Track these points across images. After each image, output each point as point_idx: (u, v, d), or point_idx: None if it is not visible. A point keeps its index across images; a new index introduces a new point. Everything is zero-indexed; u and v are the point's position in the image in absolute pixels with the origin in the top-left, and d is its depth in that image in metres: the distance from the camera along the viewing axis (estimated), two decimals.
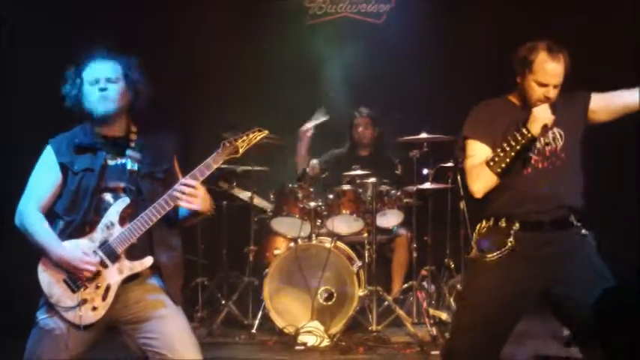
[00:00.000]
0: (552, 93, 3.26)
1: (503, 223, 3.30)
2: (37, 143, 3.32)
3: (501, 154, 3.24)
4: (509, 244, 3.26)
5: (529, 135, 3.22)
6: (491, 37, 5.93)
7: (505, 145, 3.24)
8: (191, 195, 3.11)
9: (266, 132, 3.29)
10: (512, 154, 3.23)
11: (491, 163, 3.25)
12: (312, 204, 5.65)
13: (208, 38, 6.50)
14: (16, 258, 3.89)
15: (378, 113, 6.39)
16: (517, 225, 3.27)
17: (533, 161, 3.31)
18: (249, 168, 5.85)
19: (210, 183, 5.88)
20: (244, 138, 3.23)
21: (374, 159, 6.30)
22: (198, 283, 5.84)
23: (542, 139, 3.30)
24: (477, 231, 3.41)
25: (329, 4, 7.03)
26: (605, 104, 3.33)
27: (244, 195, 6.06)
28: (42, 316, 3.14)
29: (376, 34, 6.94)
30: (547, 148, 3.32)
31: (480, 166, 3.30)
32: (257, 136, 3.27)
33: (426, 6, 6.70)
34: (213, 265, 6.11)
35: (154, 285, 3.22)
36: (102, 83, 3.20)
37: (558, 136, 3.33)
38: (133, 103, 3.30)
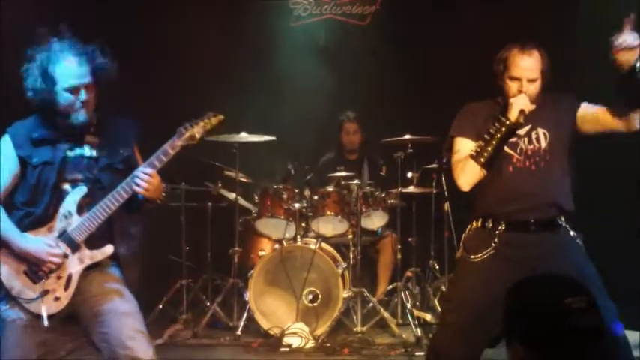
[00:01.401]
0: (527, 87, 3.28)
1: (489, 224, 3.33)
2: None
3: (483, 145, 3.28)
4: (494, 244, 3.29)
5: (507, 122, 3.23)
6: (477, 38, 5.94)
7: (486, 135, 3.27)
8: (147, 183, 3.11)
9: (221, 117, 3.28)
10: (494, 142, 3.25)
11: (474, 155, 3.29)
12: (297, 205, 5.65)
13: (191, 38, 6.45)
14: None
15: (363, 116, 6.39)
16: (503, 226, 3.30)
17: (514, 160, 3.33)
18: (233, 174, 5.83)
19: (197, 184, 5.95)
20: (200, 124, 3.22)
21: (361, 162, 6.32)
22: (183, 285, 5.82)
23: (525, 139, 3.32)
24: (466, 231, 3.46)
25: (314, 5, 7.03)
26: (594, 116, 3.31)
27: (230, 195, 6.04)
28: (3, 307, 3.13)
29: (361, 36, 6.94)
30: (529, 148, 3.33)
31: (464, 160, 3.33)
32: (213, 121, 3.26)
33: (410, 8, 6.72)
34: (197, 266, 6.08)
35: (113, 275, 3.24)
36: (83, 94, 3.16)
37: (542, 137, 3.34)
38: (101, 95, 3.28)
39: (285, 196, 5.70)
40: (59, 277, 3.12)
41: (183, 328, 5.59)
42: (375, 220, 5.83)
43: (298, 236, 5.59)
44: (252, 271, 5.46)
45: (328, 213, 5.66)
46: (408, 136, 5.68)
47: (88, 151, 3.24)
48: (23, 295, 3.09)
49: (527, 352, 1.84)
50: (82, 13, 5.33)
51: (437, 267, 6.11)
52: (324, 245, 5.62)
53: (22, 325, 3.10)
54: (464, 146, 3.38)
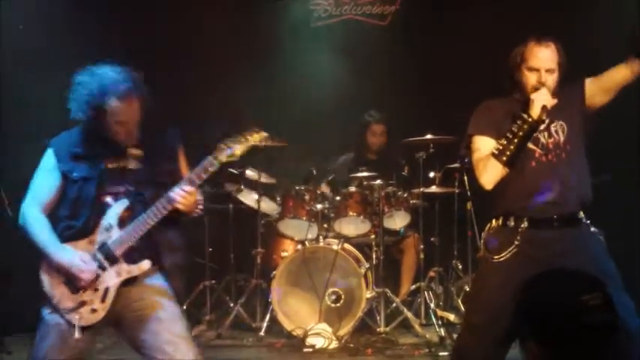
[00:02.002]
0: (546, 78, 3.26)
1: (511, 222, 3.30)
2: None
3: (505, 143, 3.24)
4: (516, 243, 3.26)
5: (530, 119, 3.20)
6: (499, 36, 5.90)
7: (508, 133, 3.24)
8: (184, 199, 3.11)
9: (265, 134, 3.25)
10: (516, 140, 3.22)
11: (497, 153, 3.26)
12: (319, 206, 5.65)
13: (211, 40, 6.49)
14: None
15: (386, 116, 6.38)
16: (525, 223, 3.27)
17: (537, 155, 3.31)
18: (256, 177, 5.84)
19: (217, 186, 5.98)
20: (241, 140, 3.20)
21: (382, 162, 6.30)
22: (206, 286, 5.85)
23: (545, 133, 3.30)
24: (486, 230, 3.42)
25: (334, 6, 7.04)
26: (599, 85, 3.31)
27: (251, 199, 6.04)
28: (46, 310, 3.16)
29: (381, 36, 6.93)
30: (550, 141, 3.31)
31: (486, 158, 3.30)
32: (256, 138, 3.23)
33: (430, 7, 6.69)
34: (220, 267, 6.11)
35: (154, 285, 3.23)
36: (130, 125, 3.19)
37: (560, 128, 3.32)
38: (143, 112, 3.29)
39: (307, 197, 5.70)
40: (96, 290, 3.12)
41: (207, 329, 5.62)
42: (398, 220, 5.81)
43: (321, 237, 5.59)
44: (274, 272, 5.47)
45: (350, 213, 5.65)
46: (429, 136, 5.66)
47: (130, 164, 3.24)
48: (61, 304, 3.11)
49: (541, 351, 1.83)
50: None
51: (460, 267, 6.07)
52: (347, 246, 5.61)
53: (59, 329, 3.12)
54: (484, 144, 3.35)
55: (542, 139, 3.31)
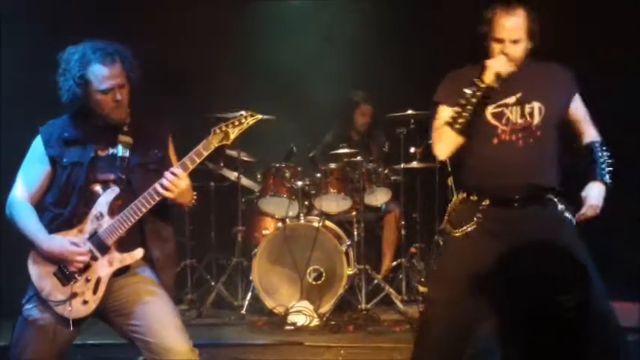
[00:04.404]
0: (510, 48, 3.15)
1: (474, 197, 3.24)
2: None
3: (458, 110, 3.16)
4: (476, 219, 3.20)
5: (482, 85, 3.11)
6: (484, 9, 5.85)
7: (461, 100, 3.15)
8: (174, 184, 3.04)
9: (259, 116, 3.19)
10: (468, 107, 3.14)
11: (450, 121, 3.18)
12: (300, 183, 5.62)
13: (192, 22, 6.39)
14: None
15: (369, 93, 6.33)
16: (487, 200, 3.20)
17: (499, 131, 3.20)
18: (235, 154, 5.79)
19: (199, 163, 5.89)
20: (235, 123, 3.15)
21: (364, 142, 6.29)
22: (187, 265, 5.82)
23: (515, 110, 3.20)
24: (450, 204, 3.37)
25: None
26: (573, 117, 3.31)
27: (232, 175, 6.01)
28: (28, 306, 3.08)
29: (361, 13, 6.83)
30: (520, 122, 3.20)
31: (441, 127, 3.24)
32: (249, 121, 3.17)
33: None
34: (201, 246, 6.07)
35: (144, 276, 3.16)
36: (117, 95, 3.11)
37: (537, 111, 3.20)
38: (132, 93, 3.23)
39: (287, 175, 5.67)
40: (88, 280, 3.05)
41: (189, 308, 5.60)
42: (379, 197, 5.80)
43: (301, 214, 5.57)
44: (255, 250, 5.44)
45: (331, 190, 5.63)
46: (410, 112, 5.63)
47: (120, 151, 3.17)
48: (52, 297, 3.03)
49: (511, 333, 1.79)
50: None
51: (441, 242, 6.07)
52: (328, 223, 5.60)
53: (40, 325, 3.05)
54: (444, 113, 3.26)
55: (510, 115, 3.21)
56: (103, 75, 3.10)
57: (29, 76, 5.01)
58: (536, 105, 3.21)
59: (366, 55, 6.62)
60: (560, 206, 3.21)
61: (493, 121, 3.21)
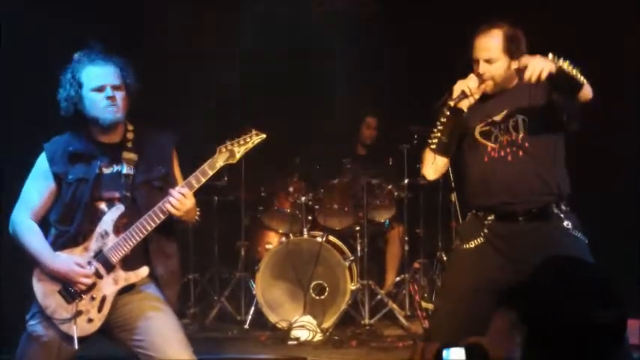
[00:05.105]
0: (483, 68, 3.17)
1: (481, 214, 3.27)
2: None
3: (434, 131, 3.24)
4: (483, 234, 3.23)
5: (451, 105, 3.15)
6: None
7: (437, 122, 3.23)
8: (180, 203, 3.04)
9: (263, 135, 3.19)
10: (441, 128, 3.20)
11: (429, 141, 3.27)
12: (304, 198, 5.63)
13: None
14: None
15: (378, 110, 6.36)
16: (492, 216, 3.23)
17: (489, 149, 3.23)
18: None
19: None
20: (241, 142, 3.16)
21: (370, 157, 6.30)
22: (190, 279, 5.82)
23: (500, 127, 3.20)
24: (461, 223, 3.43)
25: None
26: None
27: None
28: (32, 322, 3.08)
29: (365, 26, 6.87)
30: (505, 138, 3.20)
31: (425, 150, 3.34)
32: (255, 140, 3.18)
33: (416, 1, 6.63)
34: (204, 260, 6.07)
35: (148, 293, 3.15)
36: (109, 91, 3.12)
37: (521, 123, 3.19)
38: (130, 106, 3.24)
39: (291, 189, 5.68)
40: (93, 298, 3.04)
41: (191, 323, 5.59)
42: (382, 212, 5.81)
43: (305, 229, 5.57)
44: (259, 265, 5.45)
45: (335, 206, 5.63)
46: (414, 127, 5.64)
47: (125, 169, 3.16)
48: (57, 315, 3.02)
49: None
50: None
51: (445, 258, 6.06)
52: (331, 238, 5.59)
53: (44, 342, 3.04)
54: None
55: (497, 133, 3.22)
56: (94, 73, 3.13)
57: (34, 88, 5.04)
58: (519, 118, 3.20)
59: (369, 69, 6.63)
60: (566, 222, 3.17)
61: (482, 140, 3.26)
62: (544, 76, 2.93)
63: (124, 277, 3.08)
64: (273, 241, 5.82)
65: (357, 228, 5.70)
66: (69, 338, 3.01)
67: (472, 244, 3.25)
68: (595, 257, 3.08)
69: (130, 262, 3.10)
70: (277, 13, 6.68)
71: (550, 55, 2.97)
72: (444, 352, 1.91)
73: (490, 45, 3.19)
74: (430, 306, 5.47)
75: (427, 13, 6.46)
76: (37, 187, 3.17)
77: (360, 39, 6.72)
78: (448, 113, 3.18)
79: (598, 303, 1.69)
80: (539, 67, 2.93)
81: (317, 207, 5.71)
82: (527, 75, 2.97)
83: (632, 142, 5.15)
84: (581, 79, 2.96)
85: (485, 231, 3.23)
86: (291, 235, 5.54)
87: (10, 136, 4.96)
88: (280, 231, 5.78)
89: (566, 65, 2.93)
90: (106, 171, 3.16)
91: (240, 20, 6.52)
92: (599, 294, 1.71)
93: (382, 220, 5.89)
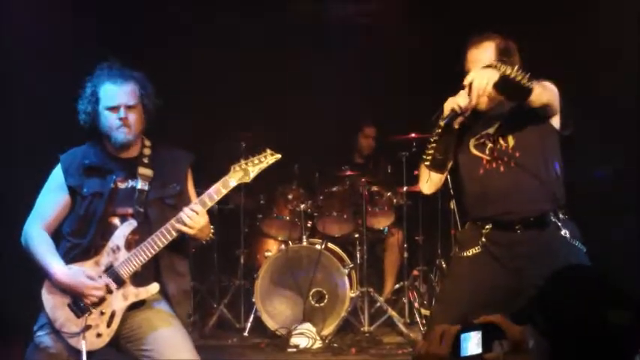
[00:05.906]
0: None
1: (479, 223, 3.28)
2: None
3: (427, 147, 3.25)
4: (481, 242, 3.24)
5: (441, 123, 3.15)
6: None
7: (431, 138, 3.24)
8: (194, 221, 3.05)
9: (278, 156, 3.21)
10: (434, 144, 3.20)
11: (423, 157, 3.28)
12: (303, 206, 5.64)
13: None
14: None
15: (367, 114, 6.36)
16: (489, 225, 3.23)
17: (484, 162, 3.25)
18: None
19: (202, 185, 5.89)
20: (255, 162, 3.17)
21: (369, 163, 6.31)
22: (190, 287, 5.80)
23: (491, 140, 3.22)
24: (460, 230, 3.44)
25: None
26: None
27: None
28: (40, 333, 3.07)
29: (365, 32, 6.88)
30: (496, 149, 3.22)
31: (421, 165, 3.36)
32: (269, 160, 3.19)
33: (416, 5, 6.65)
34: (204, 268, 6.07)
35: (159, 308, 3.15)
36: (122, 112, 3.13)
37: (511, 135, 3.20)
38: (148, 124, 3.26)
39: (290, 197, 5.69)
40: (102, 313, 3.03)
41: (191, 330, 5.56)
42: (382, 219, 5.81)
43: (304, 236, 5.58)
44: (258, 272, 5.45)
45: (334, 213, 5.64)
46: (413, 135, 5.66)
47: (139, 184, 3.16)
48: (65, 328, 3.01)
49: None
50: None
51: (444, 265, 6.07)
52: (331, 245, 5.60)
53: (51, 353, 3.04)
54: None
55: (490, 145, 3.24)
56: (111, 92, 3.14)
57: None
58: (509, 128, 3.22)
59: (369, 76, 6.64)
60: (564, 231, 3.16)
61: (477, 153, 3.28)
62: (489, 88, 2.93)
63: (134, 293, 3.07)
64: (272, 248, 5.83)
65: (357, 235, 5.71)
66: (77, 352, 3.00)
67: (470, 252, 3.27)
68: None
69: (140, 278, 3.10)
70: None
71: (493, 63, 2.98)
72: (462, 336, 1.92)
73: (482, 57, 3.18)
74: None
75: (430, 21, 6.50)
76: (51, 199, 3.17)
77: (360, 46, 6.74)
78: (440, 131, 3.18)
79: (614, 304, 1.71)
80: (483, 81, 2.92)
81: (316, 214, 5.72)
82: (473, 94, 2.96)
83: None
84: (528, 84, 2.92)
85: (484, 240, 3.24)
86: (290, 242, 5.54)
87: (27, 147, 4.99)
88: (279, 238, 5.79)
89: (510, 71, 2.90)
90: (121, 186, 3.17)
91: (240, 21, 6.53)
92: (614, 295, 1.73)
93: (381, 228, 5.90)
